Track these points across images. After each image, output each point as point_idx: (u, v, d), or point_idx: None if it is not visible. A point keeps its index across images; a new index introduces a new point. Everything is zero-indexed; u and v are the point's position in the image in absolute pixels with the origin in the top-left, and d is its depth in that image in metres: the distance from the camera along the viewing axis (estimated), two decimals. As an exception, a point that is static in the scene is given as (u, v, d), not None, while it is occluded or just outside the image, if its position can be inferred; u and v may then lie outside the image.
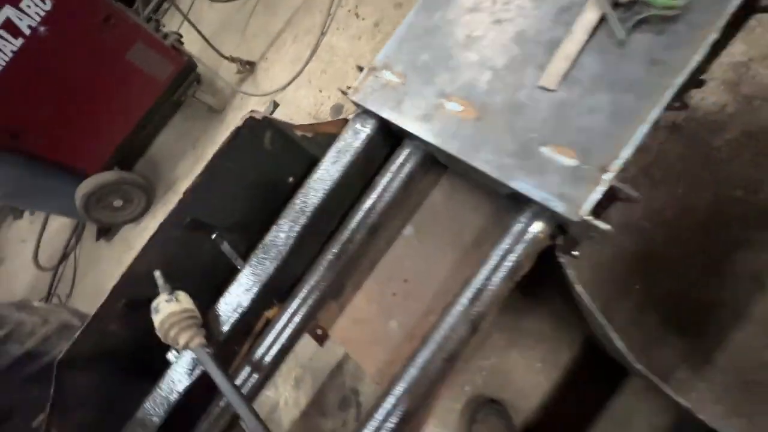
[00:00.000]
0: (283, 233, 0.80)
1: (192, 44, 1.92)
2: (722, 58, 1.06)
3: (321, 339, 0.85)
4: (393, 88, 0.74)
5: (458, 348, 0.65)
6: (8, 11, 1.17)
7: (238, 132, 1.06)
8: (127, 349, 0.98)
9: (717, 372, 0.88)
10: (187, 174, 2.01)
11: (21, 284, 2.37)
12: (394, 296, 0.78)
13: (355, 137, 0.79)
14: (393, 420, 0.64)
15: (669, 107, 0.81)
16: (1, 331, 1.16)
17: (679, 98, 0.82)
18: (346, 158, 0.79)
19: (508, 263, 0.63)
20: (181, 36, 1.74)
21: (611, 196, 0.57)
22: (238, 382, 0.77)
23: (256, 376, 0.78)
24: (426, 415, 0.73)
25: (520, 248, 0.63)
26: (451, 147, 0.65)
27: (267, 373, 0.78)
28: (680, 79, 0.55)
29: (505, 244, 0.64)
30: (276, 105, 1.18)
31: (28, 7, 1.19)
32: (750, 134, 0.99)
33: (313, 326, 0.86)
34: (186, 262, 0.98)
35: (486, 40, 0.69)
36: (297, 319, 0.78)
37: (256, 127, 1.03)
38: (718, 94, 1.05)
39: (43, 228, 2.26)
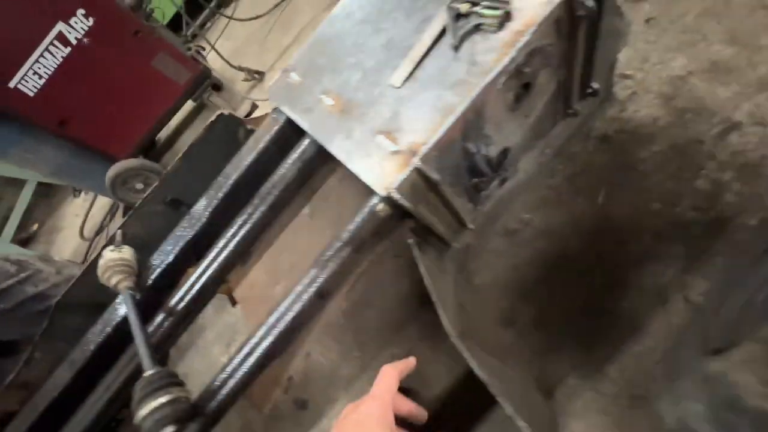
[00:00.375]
0: (203, 204, 0.96)
1: (220, 55, 2.24)
2: (661, 72, 1.06)
3: (233, 301, 0.98)
4: (294, 87, 0.87)
5: (307, 308, 0.74)
6: (61, 26, 1.51)
7: (211, 126, 1.26)
8: (109, 300, 1.19)
9: (607, 382, 0.87)
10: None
11: (67, 250, 2.83)
12: (283, 266, 0.89)
13: (270, 128, 0.93)
14: (256, 354, 0.75)
15: (565, 114, 0.85)
16: (23, 274, 1.46)
17: (568, 104, 0.86)
18: (260, 145, 0.93)
19: (349, 234, 0.72)
20: (203, 48, 2.04)
21: (424, 177, 0.64)
22: (153, 324, 0.93)
23: (169, 320, 0.93)
24: (285, 366, 0.82)
25: (360, 223, 0.71)
26: (318, 134, 0.76)
27: (178, 319, 0.93)
28: (488, 78, 0.61)
29: (354, 220, 0.73)
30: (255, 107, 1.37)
31: (76, 23, 1.52)
32: (677, 148, 0.97)
33: (228, 289, 1.00)
34: (166, 233, 1.18)
35: (365, 46, 0.80)
36: (209, 273, 0.92)
37: (229, 123, 1.22)
38: (652, 107, 1.04)
39: (91, 206, 2.70)
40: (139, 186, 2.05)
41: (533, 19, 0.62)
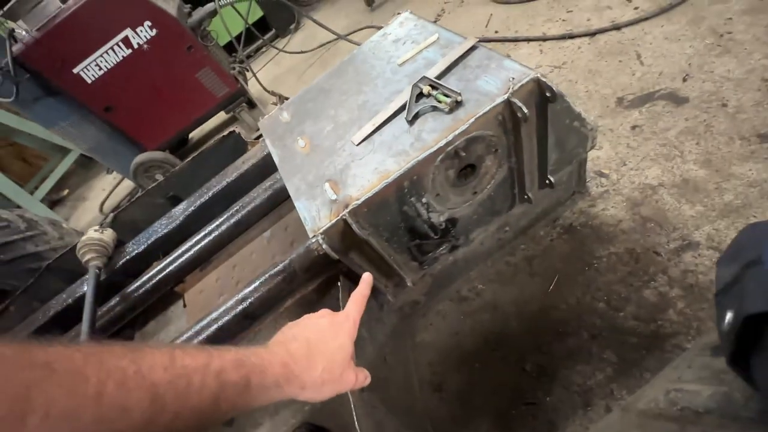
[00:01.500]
0: (182, 207, 1.06)
1: (259, 82, 2.47)
2: (635, 177, 1.09)
3: (184, 301, 1.05)
4: (281, 123, 0.98)
5: (232, 326, 0.79)
6: (128, 32, 1.76)
7: (222, 140, 1.40)
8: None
9: (512, 476, 0.84)
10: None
11: (84, 219, 3.05)
12: (232, 279, 0.96)
13: (255, 154, 1.04)
14: None
15: (522, 199, 0.90)
16: (29, 232, 1.60)
17: (522, 191, 0.90)
18: (244, 167, 1.04)
19: (283, 264, 0.77)
20: (247, 70, 2.28)
21: (352, 230, 0.70)
22: (107, 306, 1.00)
23: (122, 305, 1.00)
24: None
25: (296, 256, 0.77)
26: (282, 168, 0.85)
27: (129, 305, 1.00)
28: (424, 155, 0.68)
29: (292, 253, 0.79)
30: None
31: (141, 31, 1.77)
32: (633, 254, 0.98)
33: (182, 289, 1.07)
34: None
35: (346, 102, 0.90)
36: (168, 270, 1.00)
37: (238, 141, 1.36)
38: (619, 208, 1.07)
39: (117, 185, 2.93)
40: (159, 177, 2.23)
41: (475, 111, 0.69)
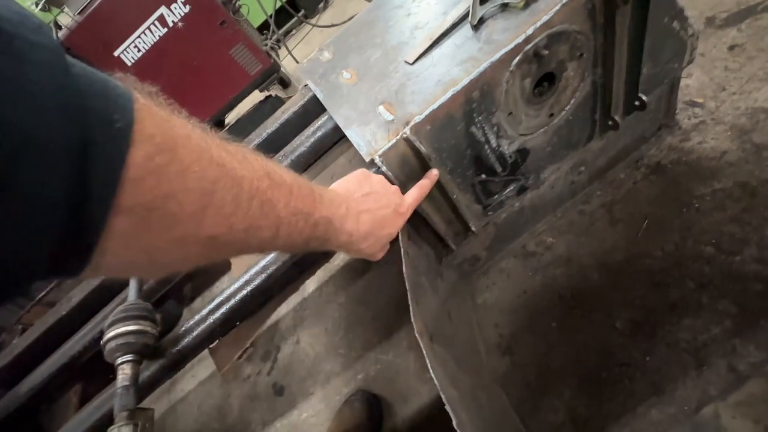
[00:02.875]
0: (223, 164, 1.01)
1: (294, 59, 2.43)
2: (740, 102, 0.91)
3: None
4: (323, 63, 0.89)
5: (278, 275, 0.72)
6: (163, 10, 1.76)
7: (259, 105, 1.36)
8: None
9: (607, 447, 0.71)
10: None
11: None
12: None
13: (296, 102, 0.97)
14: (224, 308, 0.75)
15: (604, 126, 0.77)
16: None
17: (607, 113, 0.76)
18: (284, 116, 0.96)
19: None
20: (279, 46, 2.23)
21: (415, 151, 0.60)
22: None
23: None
24: (253, 330, 0.79)
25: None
26: (328, 102, 0.77)
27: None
28: (497, 55, 0.57)
29: (344, 192, 0.70)
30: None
31: (175, 8, 1.77)
32: (746, 187, 0.81)
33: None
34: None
35: (393, 28, 0.80)
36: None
37: (276, 105, 1.31)
38: (722, 139, 0.89)
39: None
40: (199, 160, 2.25)
41: (556, 2, 0.56)
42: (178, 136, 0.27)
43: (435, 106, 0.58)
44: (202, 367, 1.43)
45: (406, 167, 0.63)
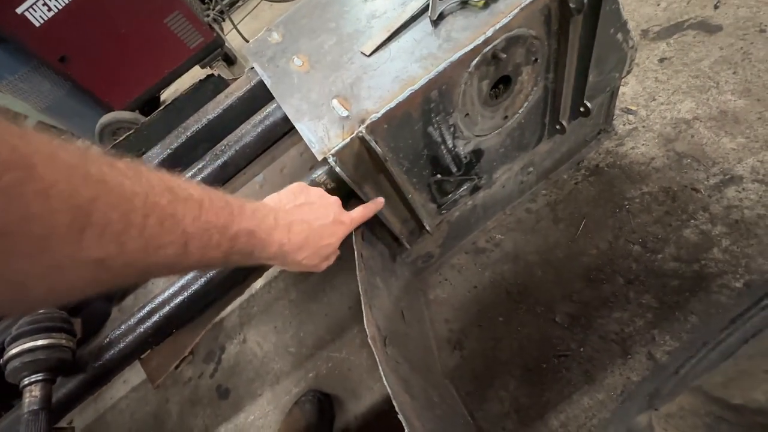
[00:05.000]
0: (156, 151, 0.90)
1: (240, 34, 2.24)
2: (666, 112, 1.00)
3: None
4: (271, 45, 0.82)
5: (227, 278, 0.66)
6: (80, -37, 1.51)
7: (200, 84, 1.22)
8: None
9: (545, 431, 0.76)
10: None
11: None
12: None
13: (241, 87, 0.88)
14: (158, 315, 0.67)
15: (552, 129, 0.79)
16: None
17: (555, 118, 0.79)
18: (228, 101, 0.88)
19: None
20: (223, 19, 2.05)
21: (369, 150, 0.58)
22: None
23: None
24: (192, 338, 0.73)
25: (298, 192, 0.64)
26: (277, 91, 0.70)
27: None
28: (458, 55, 0.55)
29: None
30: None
31: (95, -36, 1.53)
32: (669, 192, 0.89)
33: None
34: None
35: (350, 14, 0.75)
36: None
37: (218, 85, 1.19)
38: (650, 146, 0.97)
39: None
40: (129, 141, 2.01)
41: (519, 1, 0.56)
42: (35, 152, 0.24)
43: (393, 104, 0.55)
44: (135, 372, 1.30)
45: (361, 167, 0.60)
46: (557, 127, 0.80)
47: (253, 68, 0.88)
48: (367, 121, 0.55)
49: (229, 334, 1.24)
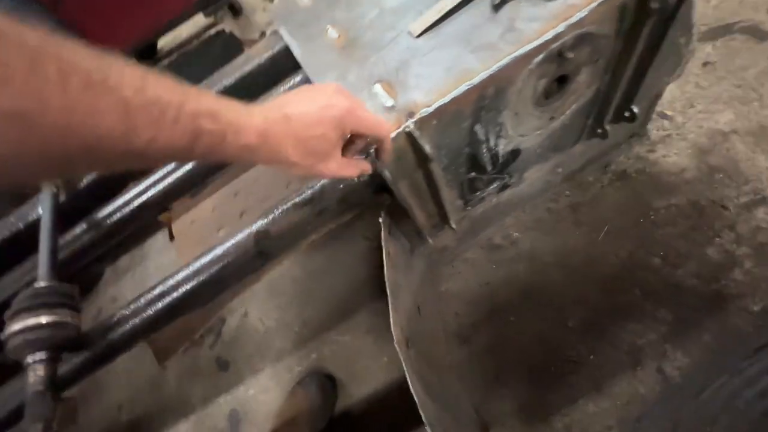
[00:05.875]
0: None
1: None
2: (703, 121, 0.96)
3: (171, 234, 0.86)
4: (301, 10, 0.73)
5: (241, 264, 0.63)
6: None
7: (209, 41, 1.12)
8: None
9: (548, 433, 0.78)
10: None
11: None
12: (232, 210, 0.77)
13: (262, 52, 0.80)
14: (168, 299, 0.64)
15: (592, 133, 0.74)
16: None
17: (599, 121, 0.75)
18: (246, 67, 0.80)
19: (311, 192, 0.60)
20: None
21: (415, 147, 0.53)
22: (71, 234, 0.80)
23: (90, 233, 0.80)
24: (202, 321, 0.71)
25: (329, 183, 0.60)
26: (308, 66, 0.64)
27: (101, 235, 0.80)
28: (524, 49, 0.50)
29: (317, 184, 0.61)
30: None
31: None
32: (697, 206, 0.88)
33: (169, 219, 0.87)
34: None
35: (393, -17, 0.67)
36: (151, 192, 0.78)
37: (230, 45, 1.10)
38: (683, 156, 0.94)
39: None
40: (124, 91, 1.88)
41: (596, -5, 0.50)
42: None
43: (446, 99, 0.50)
44: (131, 336, 1.29)
45: (401, 163, 0.56)
46: (599, 131, 0.76)
47: (275, 32, 0.80)
48: (417, 116, 0.50)
49: (231, 307, 1.22)
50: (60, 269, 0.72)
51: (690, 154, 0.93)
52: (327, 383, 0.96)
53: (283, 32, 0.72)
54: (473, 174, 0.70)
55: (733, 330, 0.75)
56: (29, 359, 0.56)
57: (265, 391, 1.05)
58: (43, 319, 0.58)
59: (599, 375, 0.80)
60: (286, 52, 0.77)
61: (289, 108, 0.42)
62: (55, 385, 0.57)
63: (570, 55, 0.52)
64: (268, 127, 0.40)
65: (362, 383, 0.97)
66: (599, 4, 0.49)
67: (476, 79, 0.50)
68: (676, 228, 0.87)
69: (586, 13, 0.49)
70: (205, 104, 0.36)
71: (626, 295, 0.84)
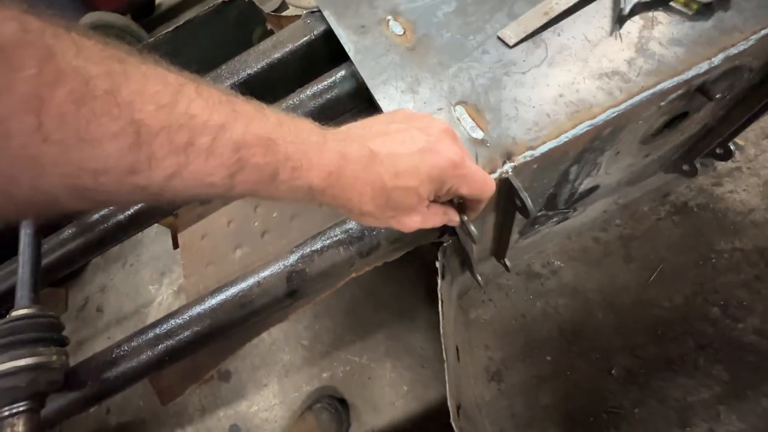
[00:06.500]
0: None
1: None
2: (781, 156, 0.86)
3: (175, 242, 0.74)
4: (352, -12, 0.59)
5: (266, 304, 0.52)
6: None
7: (222, 6, 0.99)
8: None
9: (582, 490, 0.72)
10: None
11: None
12: (255, 226, 0.66)
13: (297, 36, 0.66)
14: (174, 339, 0.53)
15: (676, 168, 0.64)
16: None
17: (689, 158, 0.64)
18: (275, 54, 0.66)
19: (359, 229, 0.49)
20: None
21: (507, 195, 0.42)
22: (58, 238, 0.68)
23: (81, 239, 0.68)
24: (216, 360, 0.61)
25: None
26: (364, 68, 0.51)
27: (92, 241, 0.68)
28: (666, 85, 0.38)
29: (374, 210, 0.50)
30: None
31: None
32: (763, 254, 0.79)
33: (174, 226, 0.75)
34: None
35: (475, -32, 0.53)
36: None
37: (246, 13, 0.96)
38: (752, 193, 0.85)
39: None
40: (116, 51, 1.68)
41: (765, 21, 0.38)
42: None
43: (558, 142, 0.39)
44: (121, 331, 1.19)
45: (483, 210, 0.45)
46: (685, 167, 0.66)
47: (314, 12, 0.66)
48: (519, 159, 0.39)
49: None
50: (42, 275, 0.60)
51: (760, 193, 0.84)
52: (340, 410, 0.88)
53: (329, 16, 0.58)
54: (543, 211, 0.59)
55: (798, 398, 0.68)
56: (5, 411, 0.46)
57: (269, 409, 0.97)
58: (23, 362, 0.47)
59: (643, 431, 0.73)
60: (327, 39, 0.64)
61: (376, 143, 0.32)
62: (38, 441, 0.47)
63: (713, 92, 0.41)
64: (343, 165, 0.30)
65: (379, 412, 0.89)
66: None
67: (600, 118, 0.38)
68: (739, 276, 0.79)
69: (752, 42, 0.38)
70: (256, 129, 0.27)
71: (678, 346, 0.77)
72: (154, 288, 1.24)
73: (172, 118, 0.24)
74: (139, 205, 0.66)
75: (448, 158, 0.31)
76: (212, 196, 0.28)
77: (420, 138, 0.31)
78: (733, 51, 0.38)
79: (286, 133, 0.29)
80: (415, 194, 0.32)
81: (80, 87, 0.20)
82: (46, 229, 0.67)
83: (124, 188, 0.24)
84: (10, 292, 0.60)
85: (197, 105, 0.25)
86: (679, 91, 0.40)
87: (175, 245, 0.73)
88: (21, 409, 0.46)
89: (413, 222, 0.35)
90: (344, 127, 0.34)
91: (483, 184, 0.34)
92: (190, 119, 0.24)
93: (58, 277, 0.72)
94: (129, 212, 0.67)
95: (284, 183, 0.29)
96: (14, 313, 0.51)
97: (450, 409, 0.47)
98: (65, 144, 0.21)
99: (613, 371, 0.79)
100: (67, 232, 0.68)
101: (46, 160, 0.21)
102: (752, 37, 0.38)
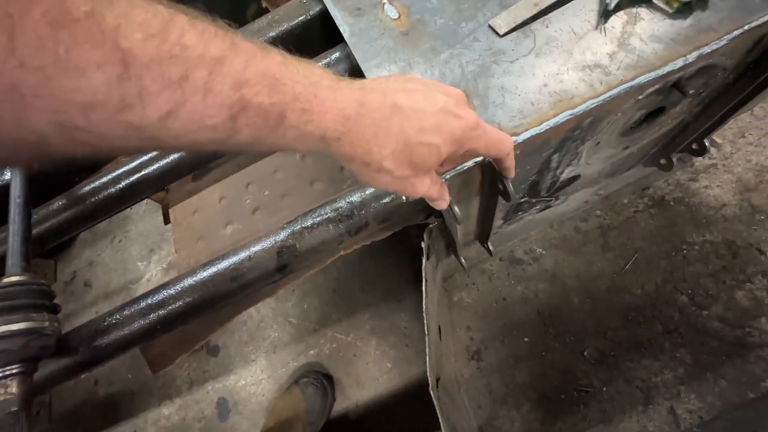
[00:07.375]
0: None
1: None
2: (753, 155, 0.90)
3: (166, 218, 0.75)
4: (349, -31, 0.60)
5: (256, 278, 0.54)
6: None
7: None
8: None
9: (551, 460, 0.78)
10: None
11: None
12: (246, 203, 0.67)
13: (292, 16, 0.66)
14: (165, 310, 0.55)
15: (654, 162, 0.67)
16: None
17: (667, 152, 0.67)
18: (270, 32, 0.66)
19: (346, 211, 0.51)
20: None
21: (491, 180, 0.45)
22: (47, 209, 0.68)
23: (71, 210, 0.68)
24: (206, 332, 0.63)
25: (372, 201, 0.51)
26: (358, 51, 0.52)
27: (83, 213, 0.69)
28: (645, 78, 0.40)
29: (362, 195, 0.52)
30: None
31: None
32: (731, 246, 0.84)
33: (165, 201, 0.76)
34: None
35: (472, -44, 0.54)
36: (147, 170, 0.66)
37: None
38: (725, 189, 0.89)
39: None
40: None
41: (738, 22, 0.40)
42: None
43: (541, 129, 0.41)
44: (109, 306, 1.19)
45: (466, 191, 0.47)
46: (662, 161, 0.69)
47: (311, -8, 0.66)
48: (502, 145, 0.41)
49: (221, 287, 1.13)
50: (33, 245, 0.61)
51: (733, 189, 0.89)
52: (326, 384, 0.91)
53: (328, 2, 0.58)
54: (525, 198, 0.62)
55: (750, 378, 0.74)
56: (-1, 373, 0.47)
57: (256, 383, 1.00)
58: (16, 326, 0.48)
59: (609, 408, 0.79)
60: (323, 20, 0.64)
61: (399, 97, 0.31)
62: (30, 403, 0.49)
63: (687, 88, 0.43)
64: (363, 113, 0.29)
65: (363, 387, 0.93)
66: (744, 32, 0.40)
67: (580, 108, 0.41)
68: (707, 266, 0.84)
69: (725, 42, 0.40)
70: (258, 65, 0.25)
71: (647, 330, 0.82)
72: (143, 264, 1.24)
73: (162, 48, 0.22)
74: (131, 178, 0.67)
75: (467, 120, 0.32)
76: (216, 143, 0.26)
77: (441, 98, 0.32)
78: (707, 50, 0.40)
79: (293, 72, 0.27)
80: (437, 152, 0.32)
81: (56, 7, 0.19)
82: (36, 199, 0.67)
83: (118, 128, 0.22)
84: (0, 261, 0.61)
85: (191, 36, 0.23)
86: (656, 86, 0.43)
87: (166, 221, 0.74)
88: (14, 371, 0.48)
89: (423, 186, 0.34)
90: (357, 81, 0.32)
91: (499, 142, 0.35)
92: (183, 50, 0.22)
93: (46, 249, 0.72)
94: (120, 185, 0.67)
95: (293, 128, 0.27)
96: (6, 280, 0.52)
97: (429, 380, 0.50)
98: (45, 72, 0.19)
99: (585, 353, 0.83)
100: (58, 203, 0.68)
101: (26, 91, 0.19)
102: (725, 37, 0.40)
